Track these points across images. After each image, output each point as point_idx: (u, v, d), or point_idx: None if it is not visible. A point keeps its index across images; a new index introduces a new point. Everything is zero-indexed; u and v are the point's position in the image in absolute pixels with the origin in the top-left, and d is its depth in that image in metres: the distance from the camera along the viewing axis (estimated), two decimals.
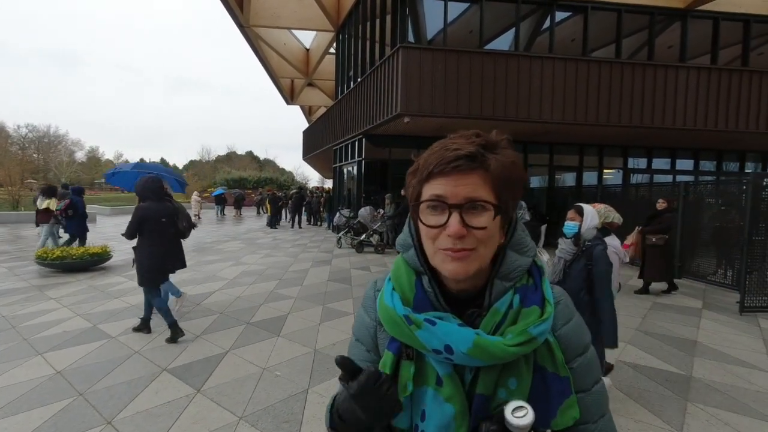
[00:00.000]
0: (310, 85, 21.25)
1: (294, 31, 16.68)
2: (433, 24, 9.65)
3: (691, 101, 9.68)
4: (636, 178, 13.06)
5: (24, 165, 24.36)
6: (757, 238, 5.41)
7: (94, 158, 63.37)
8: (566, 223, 2.93)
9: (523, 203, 6.86)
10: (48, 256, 7.00)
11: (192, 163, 70.16)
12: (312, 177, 61.90)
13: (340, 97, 14.46)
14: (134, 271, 4.18)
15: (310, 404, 2.88)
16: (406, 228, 0.76)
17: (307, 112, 28.92)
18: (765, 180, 5.58)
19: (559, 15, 9.71)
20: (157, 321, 4.51)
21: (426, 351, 0.66)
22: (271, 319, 4.72)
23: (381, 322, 0.74)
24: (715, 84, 9.78)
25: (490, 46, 9.57)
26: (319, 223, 18.39)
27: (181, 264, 4.71)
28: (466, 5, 9.58)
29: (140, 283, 4.11)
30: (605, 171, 12.94)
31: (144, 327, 4.22)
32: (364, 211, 10.34)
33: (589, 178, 12.84)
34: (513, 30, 9.53)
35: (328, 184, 30.80)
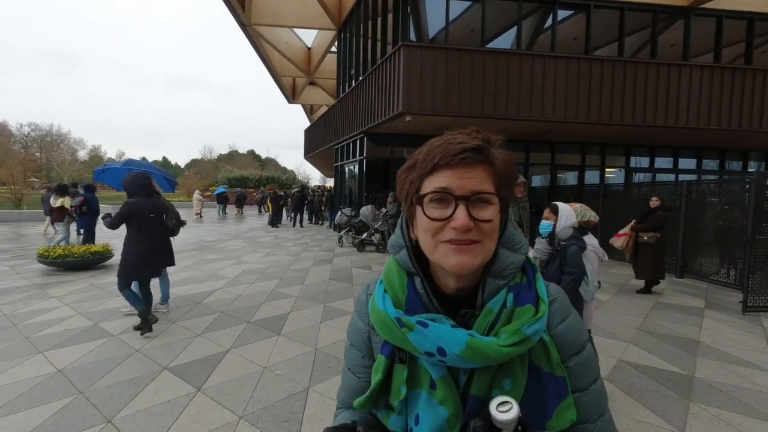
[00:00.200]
0: (311, 83, 21.23)
1: (295, 30, 16.66)
2: (434, 22, 9.62)
3: (694, 100, 9.64)
4: (638, 177, 13.02)
5: (26, 164, 24.44)
6: (760, 237, 5.37)
7: (96, 157, 63.46)
8: (541, 222, 2.91)
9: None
10: (50, 254, 7.02)
11: (194, 161, 70.26)
12: (314, 176, 61.96)
13: (341, 95, 14.45)
14: None
15: (311, 403, 2.87)
16: (398, 229, 0.74)
17: (309, 110, 28.92)
18: None
19: (562, 13, 9.67)
20: (159, 320, 4.52)
21: (418, 354, 0.65)
22: (271, 318, 4.72)
23: (374, 326, 0.72)
24: (719, 82, 9.73)
25: (491, 45, 9.55)
26: (320, 221, 18.40)
27: (170, 261, 4.72)
28: (467, 3, 9.55)
29: (119, 275, 4.11)
30: (607, 170, 12.90)
31: (145, 325, 4.22)
32: (366, 210, 10.33)
33: (591, 177, 12.79)
34: (515, 28, 9.50)
35: (330, 182, 30.78)
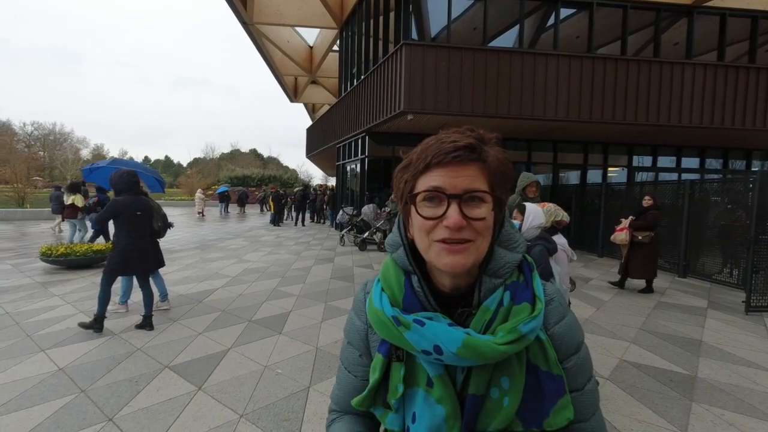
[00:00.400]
0: (313, 82, 21.26)
1: (297, 29, 16.67)
2: (436, 21, 9.60)
3: (697, 99, 9.59)
4: (641, 177, 12.98)
5: (30, 162, 24.41)
6: (764, 236, 5.34)
7: (99, 156, 63.64)
8: None
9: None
10: (52, 252, 7.04)
11: (196, 160, 70.33)
12: (315, 175, 61.90)
13: (343, 94, 14.44)
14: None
15: (311, 402, 2.87)
16: (395, 228, 0.75)
17: (311, 109, 28.93)
18: None
19: (564, 12, 9.63)
20: (159, 319, 4.53)
21: (415, 352, 0.66)
22: (273, 317, 4.72)
23: (371, 325, 0.72)
24: (722, 81, 9.68)
25: (494, 43, 9.51)
26: (322, 221, 18.40)
27: (159, 263, 4.70)
28: (470, 2, 9.52)
29: (104, 270, 4.12)
30: (610, 169, 12.86)
31: (146, 324, 4.23)
32: (368, 209, 10.32)
33: (594, 176, 12.76)
34: (517, 27, 9.47)
35: (332, 181, 30.80)
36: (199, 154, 75.17)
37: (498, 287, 0.66)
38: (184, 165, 76.34)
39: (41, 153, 47.90)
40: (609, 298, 5.90)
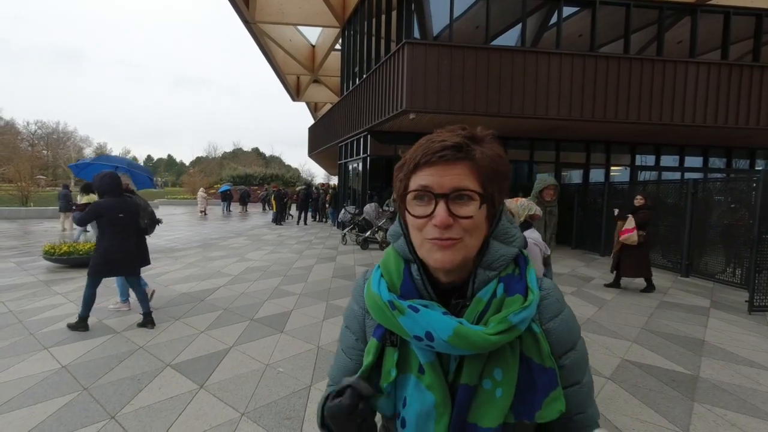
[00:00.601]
0: (315, 81, 21.24)
1: (300, 28, 16.66)
2: (438, 19, 9.58)
3: (700, 97, 9.54)
4: (644, 176, 12.93)
5: (33, 161, 24.50)
6: (767, 236, 5.32)
7: (102, 155, 63.90)
8: None
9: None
10: (55, 251, 7.08)
11: (198, 159, 70.51)
12: (317, 174, 62.06)
13: (345, 93, 14.43)
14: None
15: (313, 401, 2.87)
16: (397, 219, 0.77)
17: (313, 108, 28.93)
18: None
19: (567, 10, 9.60)
20: (161, 317, 4.55)
21: (408, 337, 0.67)
22: (274, 316, 4.73)
23: (368, 310, 0.74)
24: (726, 80, 9.62)
25: (496, 42, 9.49)
26: (324, 219, 18.41)
27: (144, 261, 4.72)
28: (472, 0, 9.49)
29: (88, 273, 4.12)
30: (612, 168, 12.81)
31: (147, 322, 4.25)
32: (369, 208, 10.32)
33: (596, 175, 12.72)
34: (520, 25, 9.44)
35: (334, 180, 30.81)
36: (202, 153, 75.39)
37: (492, 279, 0.68)
38: (187, 164, 76.56)
39: (45, 152, 48.12)
40: (611, 297, 5.88)
